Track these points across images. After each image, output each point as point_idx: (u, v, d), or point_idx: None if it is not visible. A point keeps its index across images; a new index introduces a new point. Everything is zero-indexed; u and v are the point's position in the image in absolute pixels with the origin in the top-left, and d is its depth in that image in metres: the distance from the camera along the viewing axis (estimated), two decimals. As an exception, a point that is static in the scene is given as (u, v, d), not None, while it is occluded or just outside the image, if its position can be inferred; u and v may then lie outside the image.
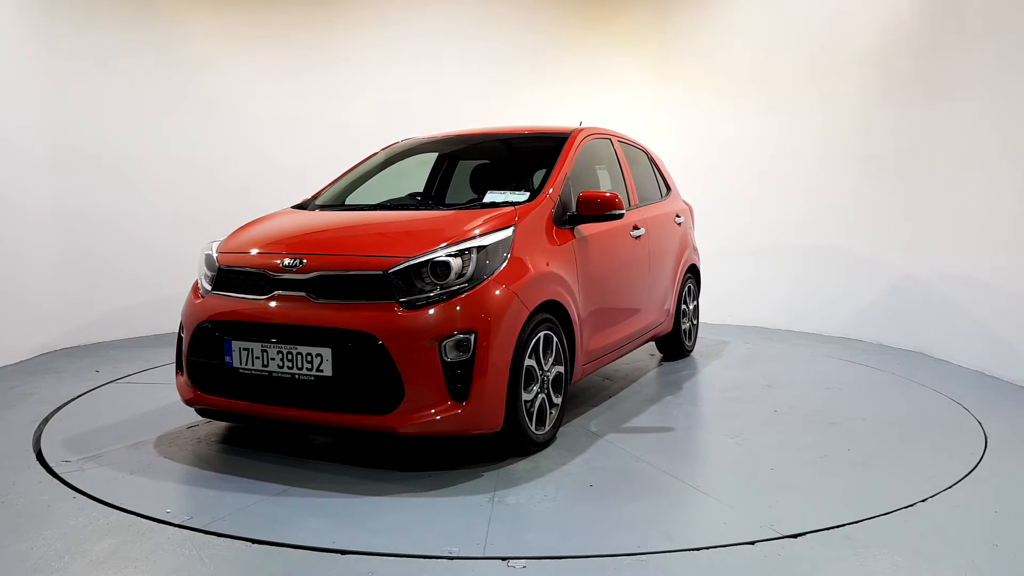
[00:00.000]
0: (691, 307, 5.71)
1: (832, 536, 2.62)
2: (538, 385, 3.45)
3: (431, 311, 3.08)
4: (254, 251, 3.54)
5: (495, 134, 4.76)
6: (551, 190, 3.80)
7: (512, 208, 3.59)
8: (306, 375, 3.15)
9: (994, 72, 4.98)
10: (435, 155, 5.01)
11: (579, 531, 2.68)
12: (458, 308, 3.11)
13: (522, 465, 3.33)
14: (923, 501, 2.93)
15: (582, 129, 4.41)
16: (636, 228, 4.50)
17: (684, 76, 7.55)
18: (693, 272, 5.72)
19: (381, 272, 3.16)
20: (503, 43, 7.63)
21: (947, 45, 5.43)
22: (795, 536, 2.61)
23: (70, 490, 3.04)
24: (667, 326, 5.24)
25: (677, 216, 5.39)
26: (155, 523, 2.71)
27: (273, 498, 2.97)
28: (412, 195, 4.71)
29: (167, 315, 5.63)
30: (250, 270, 3.45)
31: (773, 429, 3.89)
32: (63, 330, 6.08)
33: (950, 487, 3.08)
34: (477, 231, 3.34)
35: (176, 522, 2.71)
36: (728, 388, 4.75)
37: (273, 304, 3.31)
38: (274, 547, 2.53)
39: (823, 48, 6.49)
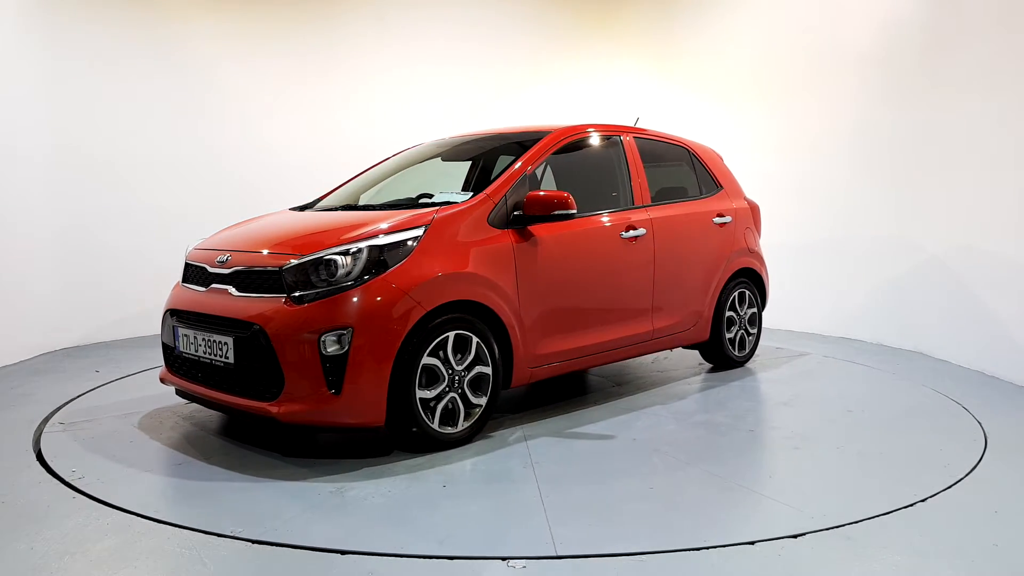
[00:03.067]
0: (744, 314, 5.26)
1: (832, 536, 2.62)
2: (446, 384, 3.46)
3: (313, 306, 3.22)
4: (207, 247, 3.86)
5: (510, 134, 4.74)
6: (490, 191, 3.82)
7: (432, 209, 3.65)
8: (219, 361, 3.43)
9: (994, 71, 4.98)
10: (447, 157, 4.99)
11: (368, 527, 2.66)
12: (337, 304, 3.23)
13: (410, 461, 3.33)
14: (923, 501, 2.93)
15: (566, 128, 4.37)
16: (632, 228, 4.44)
17: (684, 76, 7.55)
18: (750, 277, 5.31)
19: (277, 268, 3.35)
20: (505, 44, 7.64)
21: (947, 44, 5.42)
22: (795, 536, 2.61)
23: (70, 490, 3.04)
24: (699, 333, 4.92)
25: (719, 216, 5.08)
26: (155, 523, 2.71)
27: (163, 476, 3.21)
28: (419, 196, 4.71)
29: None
30: (197, 264, 3.79)
31: (720, 450, 3.55)
32: (63, 330, 6.08)
33: (950, 487, 3.08)
34: (378, 231, 3.43)
35: (171, 520, 2.72)
36: (736, 404, 4.35)
37: (206, 296, 3.61)
38: (274, 547, 2.53)
39: (823, 47, 6.49)
